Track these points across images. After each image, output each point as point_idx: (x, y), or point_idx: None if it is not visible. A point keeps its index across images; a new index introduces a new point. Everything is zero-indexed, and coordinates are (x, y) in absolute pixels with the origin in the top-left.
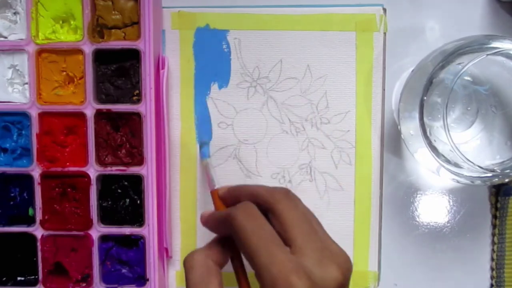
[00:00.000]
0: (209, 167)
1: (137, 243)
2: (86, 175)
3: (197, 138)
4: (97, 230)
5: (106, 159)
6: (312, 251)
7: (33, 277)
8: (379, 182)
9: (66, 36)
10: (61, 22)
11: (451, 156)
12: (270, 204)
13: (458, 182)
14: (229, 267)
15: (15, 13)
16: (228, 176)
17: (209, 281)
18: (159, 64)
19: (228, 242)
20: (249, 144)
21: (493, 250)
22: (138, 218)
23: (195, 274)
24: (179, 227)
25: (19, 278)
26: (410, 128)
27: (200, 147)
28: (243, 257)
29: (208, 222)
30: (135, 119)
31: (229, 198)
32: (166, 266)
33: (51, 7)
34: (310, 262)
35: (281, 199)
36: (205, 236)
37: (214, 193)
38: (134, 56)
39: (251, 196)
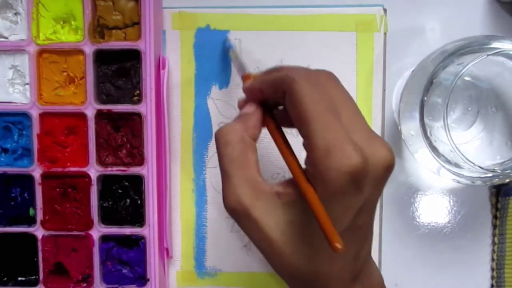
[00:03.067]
0: (235, 57)
1: (137, 243)
2: (86, 175)
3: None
4: (97, 230)
5: (107, 159)
6: (360, 129)
7: (33, 277)
8: None
9: (67, 36)
10: (62, 22)
11: (452, 156)
12: (285, 86)
13: (458, 182)
14: (229, 267)
15: (16, 14)
16: None
17: (248, 157)
18: (160, 65)
19: (259, 115)
20: None
21: (493, 251)
22: (138, 218)
23: (232, 150)
24: (179, 227)
25: (19, 278)
26: (410, 128)
27: (224, 43)
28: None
29: (256, 83)
30: (136, 119)
31: (264, 84)
32: (166, 266)
33: (52, 7)
34: (359, 139)
35: (298, 79)
36: (205, 236)
37: (246, 78)
38: (134, 56)
39: (268, 85)
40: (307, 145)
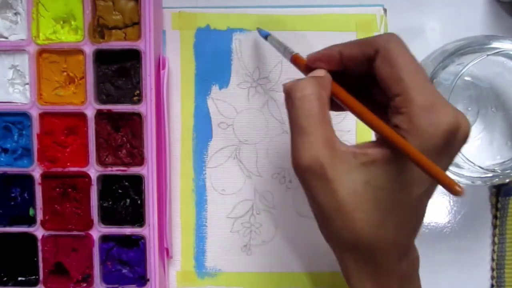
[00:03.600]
0: (275, 41)
1: (137, 243)
2: (86, 175)
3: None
4: (97, 230)
5: (107, 159)
6: (426, 97)
7: (33, 277)
8: None
9: (66, 36)
10: (61, 22)
11: None
12: (378, 44)
13: (458, 182)
14: (229, 267)
15: (16, 14)
16: (228, 176)
17: (324, 115)
18: (160, 65)
19: (330, 78)
20: (250, 144)
21: (493, 251)
22: (138, 218)
23: (311, 105)
24: (179, 227)
25: (19, 278)
26: None
27: (260, 32)
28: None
29: (336, 47)
30: (136, 119)
31: (322, 61)
32: (166, 266)
33: (51, 7)
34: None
35: (391, 39)
36: (205, 236)
37: (297, 58)
38: (134, 56)
39: (355, 45)
40: (403, 101)
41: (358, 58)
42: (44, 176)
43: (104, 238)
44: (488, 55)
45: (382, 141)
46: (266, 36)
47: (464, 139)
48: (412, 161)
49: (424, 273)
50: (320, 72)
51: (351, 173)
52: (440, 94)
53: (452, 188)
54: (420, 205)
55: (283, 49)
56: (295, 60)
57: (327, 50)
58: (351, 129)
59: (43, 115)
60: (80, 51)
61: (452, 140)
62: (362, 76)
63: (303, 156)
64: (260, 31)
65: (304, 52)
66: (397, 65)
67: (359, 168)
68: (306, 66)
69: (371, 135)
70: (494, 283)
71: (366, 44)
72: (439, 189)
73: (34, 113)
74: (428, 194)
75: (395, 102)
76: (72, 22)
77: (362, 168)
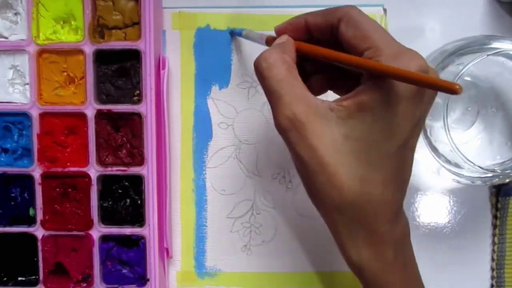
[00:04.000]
0: (250, 33)
1: (137, 243)
2: (86, 175)
3: (228, 30)
4: (97, 230)
5: (107, 159)
6: (393, 48)
7: (33, 277)
8: None
9: (66, 36)
10: (61, 22)
11: (452, 156)
12: (342, 12)
13: (458, 182)
14: (229, 267)
15: (16, 14)
16: (228, 176)
17: (294, 75)
18: (160, 65)
19: (292, 41)
20: (250, 144)
21: (493, 251)
22: (138, 218)
23: (278, 70)
24: (179, 227)
25: (19, 278)
26: None
27: (231, 33)
28: None
29: (301, 17)
30: (136, 119)
31: (288, 31)
32: (166, 266)
33: (51, 7)
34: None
35: (352, 8)
36: (205, 236)
37: (269, 39)
38: (134, 56)
39: (319, 14)
40: (373, 52)
41: (322, 26)
42: (44, 176)
43: (104, 238)
44: (488, 55)
45: (356, 92)
46: (240, 33)
47: None
48: (399, 78)
49: (424, 273)
50: (282, 38)
51: (329, 127)
52: (405, 46)
53: (451, 88)
54: (404, 158)
55: (259, 37)
56: (269, 42)
57: (293, 19)
58: None
59: (43, 115)
60: (80, 51)
61: None
62: (327, 45)
63: (281, 115)
64: (232, 31)
65: None
66: (361, 26)
67: (336, 122)
68: (275, 38)
69: None
70: (494, 283)
71: (330, 13)
72: (440, 189)
73: (34, 113)
74: (410, 146)
75: (365, 55)
76: (72, 22)
77: (340, 121)
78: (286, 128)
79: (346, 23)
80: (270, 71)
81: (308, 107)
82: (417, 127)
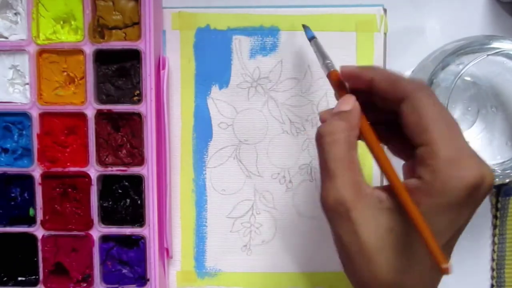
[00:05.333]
0: (319, 45)
1: (137, 243)
2: (86, 176)
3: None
4: (97, 230)
5: (107, 159)
6: (469, 146)
7: (33, 277)
8: (380, 182)
9: (66, 36)
10: (61, 22)
11: None
12: (409, 90)
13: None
14: (229, 267)
15: (16, 14)
16: (228, 176)
17: (353, 158)
18: (160, 65)
19: (359, 113)
20: (250, 144)
21: (493, 251)
22: (138, 218)
23: (339, 149)
24: (179, 227)
25: (19, 278)
26: None
27: (305, 28)
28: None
29: (370, 72)
30: (136, 119)
31: (353, 78)
32: (166, 266)
33: (52, 7)
34: (473, 155)
35: (421, 88)
36: (205, 236)
37: (332, 74)
38: (134, 56)
39: (386, 79)
40: (428, 152)
41: (386, 93)
42: (44, 176)
43: (104, 238)
44: (488, 55)
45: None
46: (311, 38)
47: (488, 191)
48: (413, 224)
49: None
50: (348, 103)
51: (375, 218)
52: (467, 145)
53: (439, 264)
54: (447, 251)
55: (322, 61)
56: (330, 76)
57: (361, 69)
58: None
59: (43, 115)
60: (80, 51)
61: (476, 193)
62: (387, 105)
63: (329, 196)
64: (306, 30)
65: (304, 52)
66: (424, 115)
67: (383, 213)
68: (338, 82)
69: None
70: (494, 283)
71: (397, 84)
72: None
73: (34, 113)
74: (452, 243)
75: (419, 151)
76: (72, 22)
77: (387, 213)
78: (332, 209)
79: (409, 105)
80: (331, 147)
81: (359, 195)
82: (462, 227)
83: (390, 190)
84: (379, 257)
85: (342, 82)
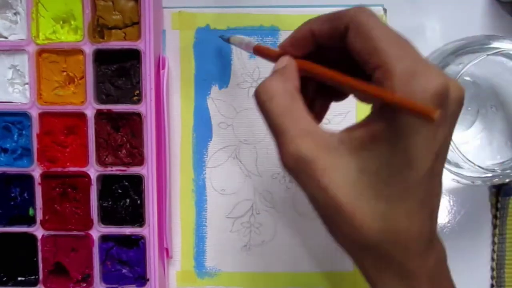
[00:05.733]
0: (237, 39)
1: (137, 243)
2: (86, 175)
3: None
4: (97, 230)
5: (107, 159)
6: (406, 64)
7: (33, 277)
8: None
9: (66, 36)
10: (61, 22)
11: (452, 156)
12: (349, 16)
13: (458, 182)
14: (229, 267)
15: (15, 14)
16: (228, 176)
17: (298, 107)
18: (160, 64)
19: (295, 64)
20: (250, 144)
21: (493, 250)
22: (138, 218)
23: (279, 102)
24: (179, 227)
25: (19, 278)
26: None
27: (222, 37)
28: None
29: (306, 25)
30: (136, 119)
31: (296, 42)
32: (166, 266)
33: (51, 7)
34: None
35: (361, 11)
36: (205, 236)
37: (258, 48)
38: (134, 56)
39: (325, 21)
40: (383, 73)
41: (330, 34)
42: (43, 176)
43: (104, 238)
44: (488, 55)
45: (368, 121)
46: (228, 39)
47: (458, 103)
48: (407, 111)
49: None
50: (282, 62)
51: (341, 162)
52: (423, 58)
53: (427, 113)
54: (429, 187)
55: (245, 45)
56: (257, 50)
57: (298, 32)
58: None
59: (42, 115)
60: (80, 51)
61: (444, 104)
62: (342, 53)
63: (286, 154)
64: (222, 37)
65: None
66: (371, 36)
67: (349, 155)
68: (267, 50)
69: None
70: (494, 283)
71: (336, 18)
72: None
73: (34, 113)
74: (436, 172)
75: (375, 76)
76: (72, 22)
77: (353, 154)
78: (293, 168)
79: (354, 32)
80: (270, 103)
81: (315, 142)
82: (442, 150)
83: (351, 129)
84: (357, 206)
85: (271, 50)
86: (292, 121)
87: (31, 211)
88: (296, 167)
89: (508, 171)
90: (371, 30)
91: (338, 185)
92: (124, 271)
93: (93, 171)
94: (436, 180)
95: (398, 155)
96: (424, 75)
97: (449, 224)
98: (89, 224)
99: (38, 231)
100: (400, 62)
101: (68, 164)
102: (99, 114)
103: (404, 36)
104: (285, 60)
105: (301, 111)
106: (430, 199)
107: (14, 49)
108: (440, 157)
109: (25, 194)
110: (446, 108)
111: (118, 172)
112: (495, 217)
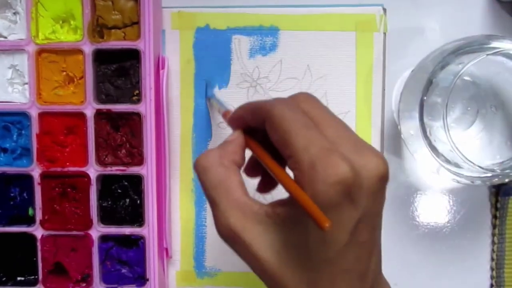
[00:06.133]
0: (214, 104)
1: (137, 243)
2: (86, 175)
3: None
4: (97, 230)
5: (106, 159)
6: (348, 141)
7: (33, 277)
8: None
9: (66, 36)
10: (61, 22)
11: (451, 156)
12: (265, 111)
13: (458, 182)
14: (229, 267)
15: (15, 13)
16: None
17: (229, 181)
18: (159, 64)
19: (240, 140)
20: None
21: (493, 250)
22: (138, 218)
23: (212, 175)
24: (179, 227)
25: (19, 278)
26: (410, 128)
27: (206, 87)
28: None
29: (237, 111)
30: (135, 119)
31: (238, 119)
32: (166, 266)
33: (51, 7)
34: (347, 150)
35: (274, 104)
36: (205, 236)
37: (226, 114)
38: (134, 56)
39: (249, 111)
40: (292, 164)
41: (255, 123)
42: (43, 176)
43: (104, 238)
44: (487, 55)
45: (288, 201)
46: (209, 97)
47: (377, 179)
48: (295, 197)
49: (424, 273)
50: (231, 137)
51: (268, 233)
52: (337, 141)
53: (319, 223)
54: (354, 254)
55: (218, 108)
56: (224, 116)
57: (239, 110)
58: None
59: (42, 115)
60: (80, 51)
61: (354, 191)
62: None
63: (219, 226)
64: (207, 88)
65: (304, 51)
66: (282, 129)
67: (274, 227)
68: (234, 126)
69: (370, 135)
70: (494, 283)
71: (257, 110)
72: (439, 188)
73: (33, 113)
74: (361, 239)
75: (289, 165)
76: (72, 22)
77: (277, 227)
78: (227, 238)
79: (269, 126)
80: (204, 175)
81: (244, 214)
82: (364, 222)
83: (278, 203)
84: (284, 274)
85: (233, 121)
86: (223, 194)
87: (30, 211)
88: (229, 237)
89: (507, 171)
90: (282, 123)
91: (266, 254)
92: (123, 271)
93: (93, 171)
94: (363, 247)
95: (312, 235)
96: (325, 163)
97: (448, 224)
98: (88, 224)
99: (38, 231)
100: (305, 153)
101: (67, 164)
102: (98, 114)
103: (318, 117)
104: (234, 135)
105: (233, 184)
106: (358, 263)
107: (13, 49)
108: (362, 228)
109: (25, 194)
110: (357, 193)
111: (117, 172)
112: (494, 217)
